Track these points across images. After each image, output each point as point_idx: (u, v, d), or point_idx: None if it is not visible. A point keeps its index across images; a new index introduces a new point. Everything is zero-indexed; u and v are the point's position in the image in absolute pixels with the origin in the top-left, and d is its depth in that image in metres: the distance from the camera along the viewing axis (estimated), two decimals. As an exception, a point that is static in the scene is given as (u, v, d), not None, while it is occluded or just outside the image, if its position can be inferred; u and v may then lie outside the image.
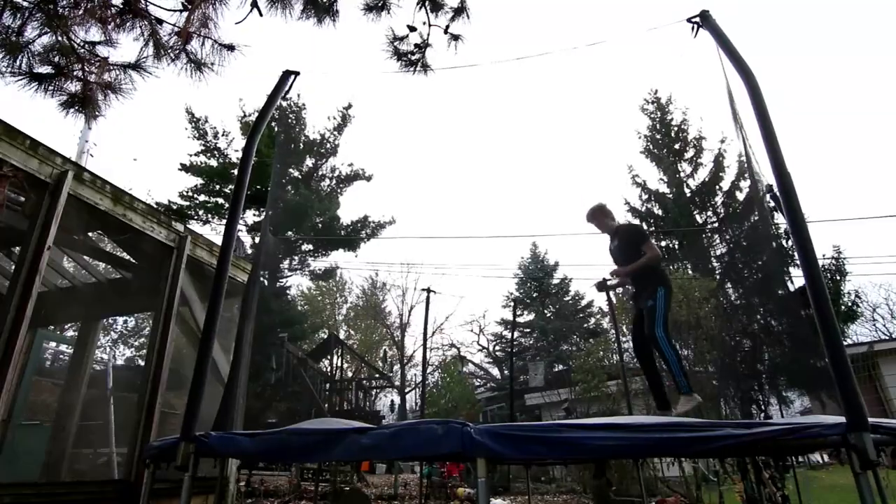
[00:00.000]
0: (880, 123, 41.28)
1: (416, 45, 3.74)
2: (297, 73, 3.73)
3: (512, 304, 23.06)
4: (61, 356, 8.43)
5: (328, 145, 18.55)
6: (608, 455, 1.93)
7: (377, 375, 22.63)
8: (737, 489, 6.08)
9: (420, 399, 14.88)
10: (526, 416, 17.43)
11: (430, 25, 3.64)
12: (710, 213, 16.55)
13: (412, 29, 3.65)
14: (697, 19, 3.17)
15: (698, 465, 7.23)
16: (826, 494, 6.46)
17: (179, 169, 16.78)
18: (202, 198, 16.86)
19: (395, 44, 3.71)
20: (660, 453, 1.93)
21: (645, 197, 17.50)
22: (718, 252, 15.56)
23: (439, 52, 3.78)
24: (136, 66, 3.17)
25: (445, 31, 3.64)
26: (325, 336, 21.65)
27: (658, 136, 18.02)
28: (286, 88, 3.77)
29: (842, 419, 1.87)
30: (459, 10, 3.59)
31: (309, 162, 18.37)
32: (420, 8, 3.57)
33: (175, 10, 3.10)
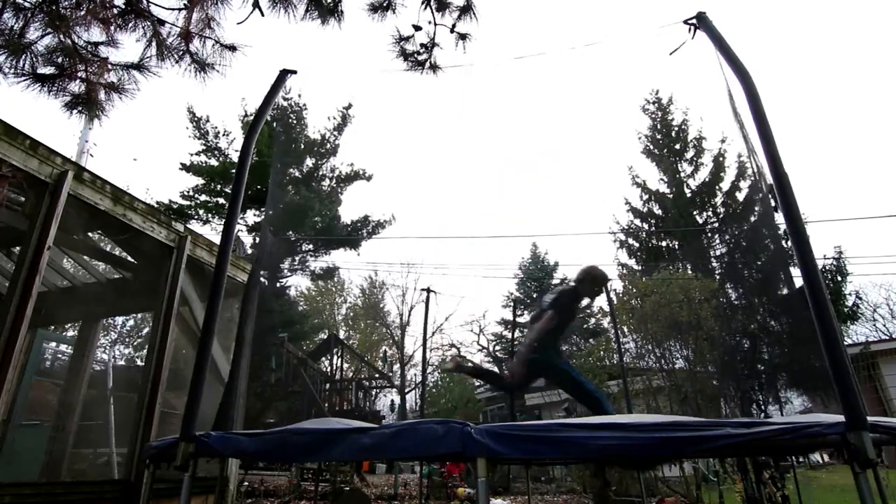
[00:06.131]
0: (881, 123, 41.30)
1: (423, 45, 3.71)
2: (293, 72, 3.73)
3: (512, 304, 23.06)
4: (61, 356, 8.43)
5: (328, 145, 18.56)
6: (610, 455, 1.94)
7: (377, 375, 22.62)
8: (737, 489, 6.08)
9: (420, 399, 14.88)
10: (526, 416, 17.43)
11: (435, 25, 3.63)
12: (710, 213, 16.57)
13: (417, 28, 3.63)
14: (694, 21, 3.17)
15: (698, 465, 7.24)
16: (826, 494, 6.46)
17: (180, 169, 16.78)
18: (203, 198, 16.86)
19: (402, 44, 3.69)
20: (661, 453, 1.93)
21: (645, 197, 17.53)
22: (718, 252, 15.56)
23: (446, 51, 3.75)
24: (139, 67, 3.17)
25: (452, 30, 3.62)
26: (325, 336, 21.65)
27: (658, 137, 18.04)
28: (283, 87, 3.76)
29: (841, 418, 1.87)
30: (465, 9, 3.57)
31: (309, 162, 18.37)
32: (425, 7, 3.56)
33: (176, 9, 3.11)
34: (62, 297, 6.73)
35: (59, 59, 3.07)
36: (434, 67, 3.76)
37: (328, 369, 19.19)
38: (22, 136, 4.02)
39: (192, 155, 16.98)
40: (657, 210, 17.34)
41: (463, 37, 3.66)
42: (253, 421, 11.66)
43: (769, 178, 2.44)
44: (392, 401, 26.16)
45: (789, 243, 2.33)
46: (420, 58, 3.75)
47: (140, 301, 6.94)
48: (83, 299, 6.52)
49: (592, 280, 3.94)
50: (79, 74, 3.12)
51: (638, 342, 10.47)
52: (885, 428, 1.93)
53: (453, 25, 3.63)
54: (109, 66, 3.18)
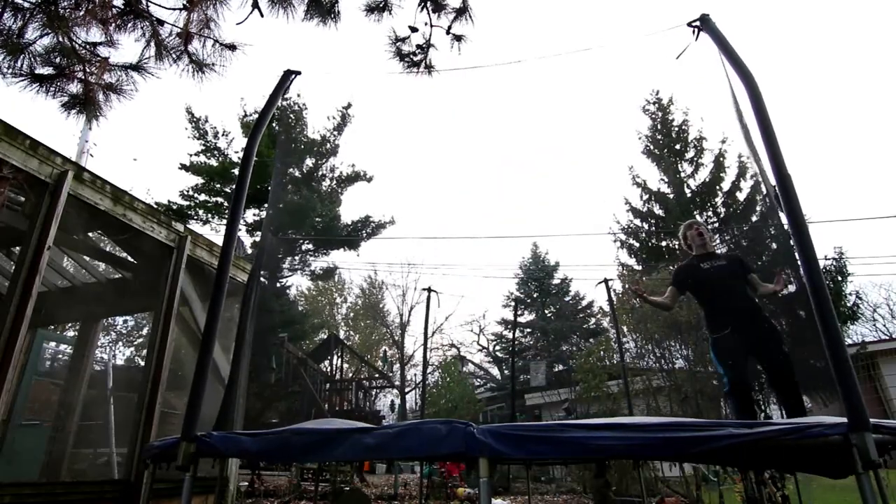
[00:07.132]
0: (882, 123, 41.32)
1: (419, 46, 3.73)
2: (297, 73, 3.72)
3: (513, 304, 23.09)
4: (61, 356, 8.42)
5: (328, 145, 18.56)
6: (612, 455, 1.94)
7: (377, 375, 22.62)
8: (737, 489, 6.08)
9: (420, 399, 14.89)
10: (526, 415, 17.44)
11: (431, 26, 3.64)
12: (710, 213, 16.56)
13: (413, 30, 3.65)
14: (698, 23, 3.16)
15: (698, 465, 7.23)
16: (826, 494, 6.46)
17: (179, 169, 16.79)
18: (202, 197, 16.86)
19: (398, 45, 3.70)
20: (663, 453, 1.92)
21: (645, 197, 17.52)
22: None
23: (442, 53, 3.77)
24: (138, 67, 3.17)
25: (447, 32, 3.63)
26: (325, 336, 21.65)
27: (659, 137, 18.02)
28: (287, 88, 3.76)
29: (843, 419, 1.87)
30: (461, 11, 3.58)
31: (309, 162, 18.37)
32: (422, 9, 3.57)
33: (176, 9, 3.10)
34: (62, 297, 6.72)
35: (58, 60, 3.06)
36: (429, 69, 3.78)
37: (328, 369, 19.19)
38: (22, 136, 4.01)
39: (191, 155, 17.00)
40: (657, 210, 17.34)
41: (459, 38, 3.66)
42: (253, 421, 11.66)
43: (772, 181, 2.44)
44: (392, 401, 26.18)
45: (792, 242, 2.32)
46: (416, 59, 3.76)
47: (140, 301, 6.93)
48: (83, 299, 6.51)
49: (683, 238, 4.20)
50: (77, 75, 3.12)
51: (638, 342, 10.47)
52: (887, 429, 1.93)
53: (449, 27, 3.64)
54: (108, 67, 3.17)
